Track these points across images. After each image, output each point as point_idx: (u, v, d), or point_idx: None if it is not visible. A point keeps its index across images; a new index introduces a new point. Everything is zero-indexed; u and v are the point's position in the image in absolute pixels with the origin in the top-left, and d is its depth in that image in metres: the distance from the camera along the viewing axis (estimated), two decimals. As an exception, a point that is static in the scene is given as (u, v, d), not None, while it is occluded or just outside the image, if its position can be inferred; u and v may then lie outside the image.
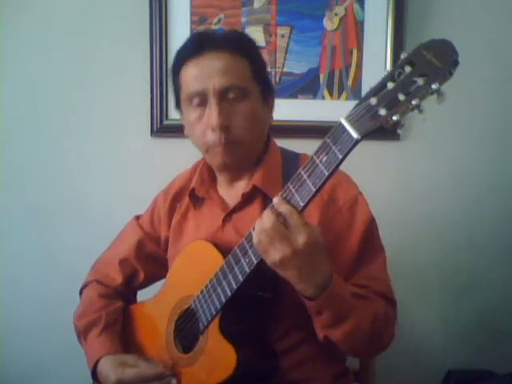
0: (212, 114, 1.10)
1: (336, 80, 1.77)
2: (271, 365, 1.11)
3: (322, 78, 1.77)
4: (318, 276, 0.93)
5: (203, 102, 1.13)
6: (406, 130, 1.77)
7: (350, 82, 1.77)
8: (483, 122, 1.80)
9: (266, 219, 0.91)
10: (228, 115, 1.11)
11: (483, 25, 1.77)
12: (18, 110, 1.80)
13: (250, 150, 1.17)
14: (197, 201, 1.27)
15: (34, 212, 1.83)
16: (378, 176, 1.78)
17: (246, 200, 1.18)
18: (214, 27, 1.74)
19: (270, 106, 1.21)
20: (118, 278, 1.34)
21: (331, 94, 1.78)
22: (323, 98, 1.77)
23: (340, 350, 1.08)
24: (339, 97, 1.77)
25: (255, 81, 1.15)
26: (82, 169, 1.82)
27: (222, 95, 1.11)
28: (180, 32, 1.75)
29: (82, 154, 1.82)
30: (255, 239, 0.93)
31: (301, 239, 0.89)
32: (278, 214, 0.91)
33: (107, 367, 1.18)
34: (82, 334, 1.27)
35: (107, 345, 1.23)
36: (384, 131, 0.82)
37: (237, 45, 1.15)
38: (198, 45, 1.14)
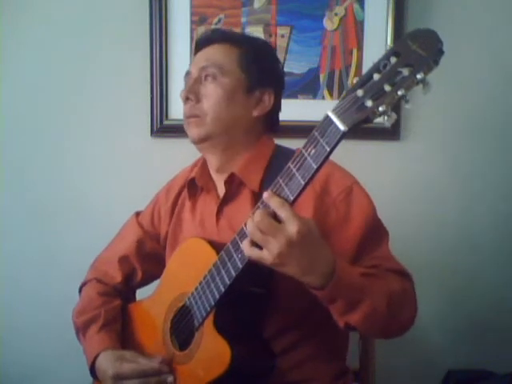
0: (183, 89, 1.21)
1: (336, 80, 1.77)
2: (267, 362, 1.11)
3: (322, 77, 1.77)
4: (321, 264, 0.92)
5: None
6: (406, 130, 1.78)
7: (349, 81, 1.77)
8: (483, 122, 1.80)
9: (257, 216, 0.90)
10: (197, 91, 1.18)
11: (483, 25, 1.77)
12: (18, 110, 1.80)
13: (220, 130, 1.17)
14: (195, 191, 1.27)
15: (34, 212, 1.83)
16: (378, 176, 1.78)
17: (232, 190, 1.19)
18: (214, 27, 1.74)
19: (256, 99, 1.20)
20: (117, 276, 1.34)
21: (331, 94, 1.78)
22: (323, 98, 1.78)
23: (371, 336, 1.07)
24: (339, 97, 1.76)
25: (240, 67, 1.19)
26: (82, 169, 1.82)
27: (200, 75, 1.19)
28: (180, 32, 1.75)
29: (82, 154, 1.82)
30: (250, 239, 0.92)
31: (293, 229, 0.87)
32: (269, 209, 0.90)
33: (105, 362, 1.18)
34: (81, 330, 1.28)
35: (106, 342, 1.23)
36: (369, 122, 0.82)
37: (239, 38, 1.24)
38: (208, 38, 1.24)
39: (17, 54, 1.78)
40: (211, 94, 1.17)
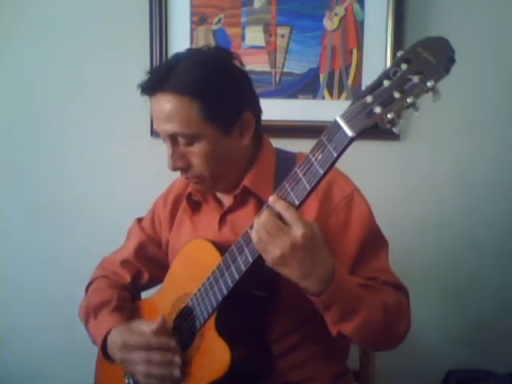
0: (167, 156, 1.14)
1: (336, 80, 1.77)
2: (267, 364, 1.11)
3: (322, 77, 1.77)
4: (321, 270, 0.92)
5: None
6: (406, 130, 1.77)
7: (349, 81, 1.77)
8: (484, 122, 1.80)
9: (264, 217, 0.91)
10: (182, 156, 1.12)
11: (483, 25, 1.77)
12: (18, 110, 1.81)
13: (222, 177, 1.15)
14: (194, 205, 1.26)
15: (33, 212, 1.83)
16: (378, 176, 1.78)
17: (240, 201, 1.17)
18: (214, 27, 1.75)
19: (240, 131, 1.12)
20: (126, 277, 1.34)
21: (331, 94, 1.78)
22: (323, 97, 1.77)
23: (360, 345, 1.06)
24: (339, 97, 1.77)
25: (207, 122, 1.07)
26: (82, 169, 1.82)
27: (174, 139, 1.11)
28: (180, 32, 1.75)
29: (82, 154, 1.82)
30: (255, 237, 0.93)
31: (298, 232, 0.88)
32: (275, 212, 0.91)
33: (117, 333, 1.17)
34: (92, 312, 1.26)
35: (120, 320, 1.22)
36: (377, 129, 0.82)
37: (186, 85, 1.07)
38: (151, 85, 1.12)
39: (17, 54, 1.78)
40: (195, 158, 1.11)
